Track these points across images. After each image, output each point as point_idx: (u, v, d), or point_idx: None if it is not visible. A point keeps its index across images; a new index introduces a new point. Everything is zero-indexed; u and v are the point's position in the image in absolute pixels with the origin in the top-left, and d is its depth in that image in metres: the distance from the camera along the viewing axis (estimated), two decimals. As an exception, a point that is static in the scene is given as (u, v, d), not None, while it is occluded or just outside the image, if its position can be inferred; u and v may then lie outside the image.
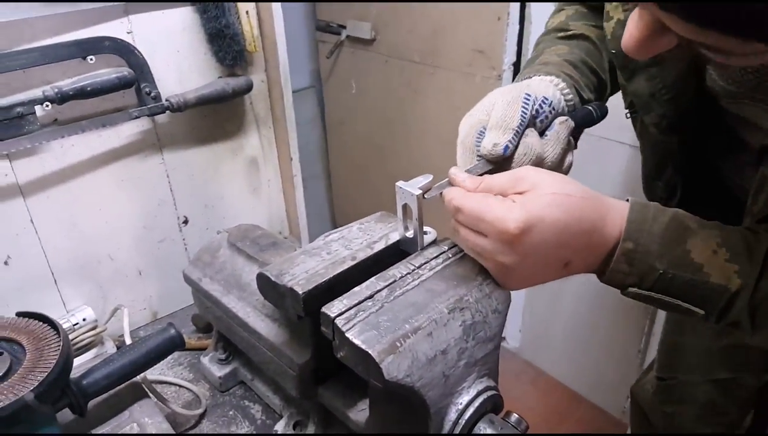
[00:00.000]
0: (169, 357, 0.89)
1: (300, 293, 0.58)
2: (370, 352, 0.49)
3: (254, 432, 0.82)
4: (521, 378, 2.05)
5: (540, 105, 0.59)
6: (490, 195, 0.52)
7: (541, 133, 0.60)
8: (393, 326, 0.51)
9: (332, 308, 0.54)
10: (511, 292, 0.57)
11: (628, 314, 1.69)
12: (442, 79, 1.82)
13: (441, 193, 0.56)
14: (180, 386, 0.90)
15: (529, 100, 0.57)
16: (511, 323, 2.13)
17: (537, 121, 0.59)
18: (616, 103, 0.77)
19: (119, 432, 0.70)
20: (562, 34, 0.75)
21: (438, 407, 0.53)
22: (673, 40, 0.41)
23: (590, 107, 0.66)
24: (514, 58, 1.66)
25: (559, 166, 0.60)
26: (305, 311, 0.58)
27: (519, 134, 0.56)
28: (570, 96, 0.63)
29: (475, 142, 0.58)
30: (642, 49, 0.43)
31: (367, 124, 2.21)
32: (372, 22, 1.98)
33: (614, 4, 0.64)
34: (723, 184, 0.72)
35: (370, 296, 0.55)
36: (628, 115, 0.72)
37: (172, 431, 0.72)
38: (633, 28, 0.42)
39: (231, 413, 0.85)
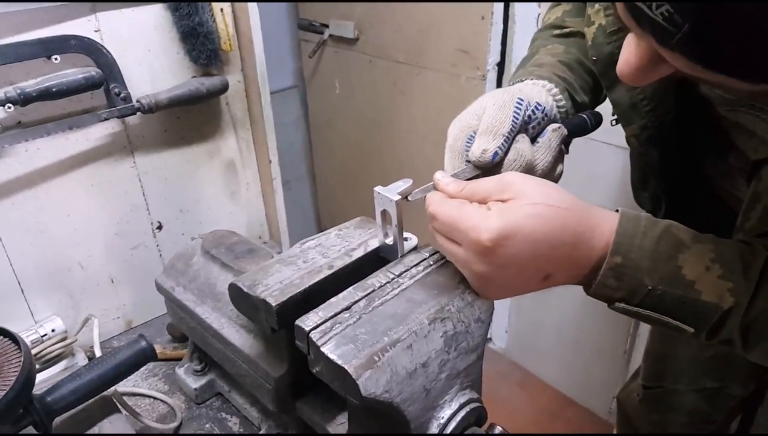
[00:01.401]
0: (143, 368, 0.85)
1: (273, 305, 0.55)
2: (346, 368, 0.47)
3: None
4: (508, 379, 2.04)
5: (533, 111, 0.57)
6: (467, 202, 0.50)
7: (533, 140, 0.58)
8: (371, 339, 0.49)
9: (307, 321, 0.51)
10: (508, 292, 0.55)
11: (614, 316, 1.68)
12: (426, 79, 1.80)
13: (426, 197, 0.54)
14: (154, 398, 0.87)
15: (521, 105, 0.55)
16: (497, 324, 2.12)
17: (529, 127, 0.57)
18: (605, 104, 0.75)
19: (86, 450, 0.67)
20: (558, 31, 0.73)
21: (419, 421, 0.51)
22: (670, 69, 0.39)
23: (584, 116, 0.64)
24: (498, 58, 1.64)
25: (550, 173, 0.59)
26: (279, 324, 0.56)
27: (509, 140, 0.55)
28: (562, 102, 0.62)
29: (464, 147, 0.56)
30: (638, 78, 0.41)
31: (351, 124, 2.19)
32: (355, 21, 1.96)
33: (596, 8, 0.62)
34: (711, 192, 0.70)
35: (347, 308, 0.53)
36: (613, 122, 0.70)
37: (143, 448, 0.69)
38: (630, 55, 0.40)
39: (208, 426, 0.82)
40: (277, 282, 0.58)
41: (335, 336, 0.50)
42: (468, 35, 1.64)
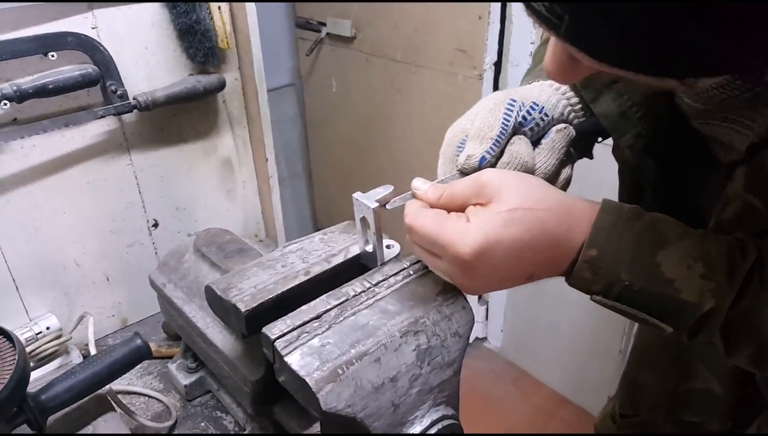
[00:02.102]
0: (138, 366, 0.85)
1: (242, 310, 0.54)
2: (307, 380, 0.46)
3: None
4: (503, 378, 2.04)
5: (528, 111, 0.54)
6: (444, 213, 0.49)
7: (537, 142, 0.56)
8: (337, 351, 0.48)
9: (274, 329, 0.50)
10: (494, 291, 0.55)
11: (609, 315, 1.68)
12: (424, 78, 1.80)
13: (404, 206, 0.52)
14: (149, 396, 0.86)
15: (512, 106, 0.53)
16: (493, 323, 2.12)
17: (526, 128, 0.55)
18: None
19: (81, 448, 0.67)
20: None
21: None
22: (590, 70, 0.39)
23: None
24: (495, 58, 1.64)
25: (553, 179, 0.56)
26: (248, 330, 0.55)
27: (499, 144, 0.52)
28: (576, 100, 0.59)
29: (456, 153, 0.55)
30: (562, 75, 0.41)
31: (348, 123, 2.18)
32: (352, 19, 1.95)
33: None
34: (700, 213, 0.67)
35: (317, 317, 0.51)
36: (599, 139, 0.66)
37: (138, 446, 0.68)
38: (549, 52, 0.40)
39: (203, 424, 0.82)
40: (251, 287, 0.57)
41: (301, 346, 0.49)
42: (465, 34, 1.64)
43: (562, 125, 0.56)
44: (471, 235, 0.45)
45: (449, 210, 0.49)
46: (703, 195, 0.64)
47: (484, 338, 2.17)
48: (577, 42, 0.36)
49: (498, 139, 0.52)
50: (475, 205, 0.48)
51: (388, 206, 0.54)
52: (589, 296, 0.50)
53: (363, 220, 0.57)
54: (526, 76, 0.65)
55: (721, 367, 0.76)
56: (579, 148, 0.59)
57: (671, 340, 0.86)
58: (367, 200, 0.54)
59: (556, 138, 0.55)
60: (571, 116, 0.59)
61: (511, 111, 0.53)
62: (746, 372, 0.71)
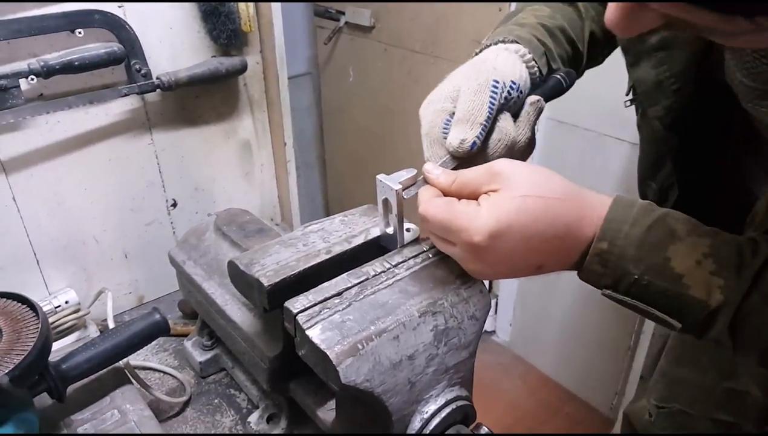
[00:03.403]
0: (154, 343, 0.86)
1: (266, 285, 0.55)
2: (328, 353, 0.47)
3: (237, 421, 0.80)
4: (510, 372, 2.05)
5: (509, 91, 0.56)
6: (455, 201, 0.49)
7: (515, 117, 0.57)
8: (357, 327, 0.49)
9: (296, 304, 0.51)
10: (504, 286, 0.55)
11: (619, 312, 1.67)
12: (442, 68, 1.79)
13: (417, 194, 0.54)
14: (164, 372, 0.88)
15: (497, 88, 0.54)
16: (502, 317, 2.12)
17: (506, 107, 0.57)
18: (617, 97, 0.74)
19: (99, 418, 0.68)
20: None
21: (402, 414, 0.51)
22: (657, 19, 0.38)
23: (558, 76, 0.62)
24: (514, 50, 1.64)
25: (528, 147, 0.58)
26: (270, 305, 0.56)
27: (486, 128, 0.54)
28: (535, 68, 0.60)
29: (441, 133, 0.55)
30: (623, 26, 0.39)
31: (364, 112, 2.18)
32: (372, 8, 1.95)
33: None
34: (726, 188, 0.68)
35: (338, 293, 0.53)
36: (628, 103, 0.68)
37: (154, 418, 0.70)
38: (614, 2, 0.39)
39: (216, 401, 0.83)
40: (273, 263, 0.58)
41: (322, 321, 0.50)
42: (484, 26, 1.63)
43: (535, 98, 0.58)
44: (482, 218, 0.46)
45: (460, 196, 0.50)
46: (739, 175, 0.64)
47: (493, 332, 2.17)
48: None
49: (486, 123, 0.53)
50: (487, 192, 0.48)
51: (405, 195, 0.55)
52: (599, 291, 0.50)
53: (385, 202, 0.57)
54: (499, 26, 0.66)
55: (759, 371, 0.76)
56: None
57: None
58: (390, 182, 0.55)
59: (530, 111, 0.57)
60: (528, 82, 0.60)
61: (496, 94, 0.54)
62: None
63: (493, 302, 2.08)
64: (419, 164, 0.57)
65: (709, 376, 0.83)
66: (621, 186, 1.55)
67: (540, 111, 0.58)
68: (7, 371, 0.57)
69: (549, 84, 0.61)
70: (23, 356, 0.59)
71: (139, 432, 0.67)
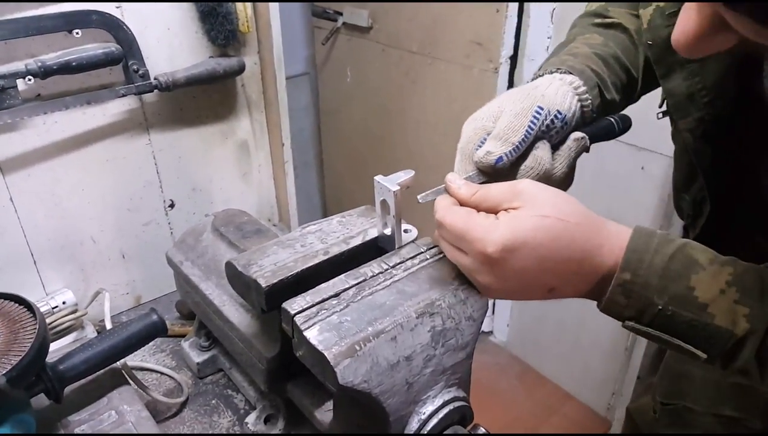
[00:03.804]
0: (151, 343, 0.86)
1: (263, 285, 0.55)
2: (325, 354, 0.47)
3: (234, 422, 0.80)
4: (507, 372, 2.05)
5: (552, 120, 0.55)
6: (474, 212, 0.49)
7: (554, 148, 0.57)
8: (355, 328, 0.49)
9: (294, 305, 0.52)
10: (513, 299, 0.55)
11: (617, 313, 1.68)
12: (439, 70, 1.80)
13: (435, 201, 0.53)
14: (161, 373, 0.88)
15: (540, 114, 0.54)
16: (499, 318, 2.13)
17: (547, 135, 0.56)
18: (652, 98, 0.71)
19: (96, 419, 0.68)
20: (599, 20, 0.70)
21: (399, 415, 0.51)
22: (731, 40, 0.38)
23: (611, 119, 0.62)
24: (511, 52, 1.64)
25: (563, 182, 0.57)
26: (268, 306, 0.56)
27: (518, 150, 0.53)
28: (588, 100, 0.59)
29: (475, 148, 0.55)
30: (695, 48, 0.39)
31: (362, 113, 2.19)
32: (369, 9, 1.95)
33: None
34: (761, 201, 0.65)
35: (336, 295, 0.53)
36: (660, 115, 0.67)
37: (151, 419, 0.70)
38: (687, 22, 0.38)
39: (213, 402, 0.83)
40: (271, 264, 0.58)
41: (319, 322, 0.50)
42: (482, 27, 1.64)
43: (579, 135, 0.57)
44: (499, 231, 0.46)
45: (479, 209, 0.50)
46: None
47: (490, 332, 2.18)
48: (758, 11, 0.33)
49: (519, 145, 0.53)
50: (507, 209, 0.48)
51: (420, 199, 0.55)
52: (621, 323, 0.49)
53: (383, 203, 0.57)
54: (552, 56, 0.66)
55: None
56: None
57: None
58: (388, 183, 0.55)
59: (572, 146, 0.57)
60: (577, 114, 0.59)
61: (537, 120, 0.54)
62: None
63: (490, 302, 2.08)
64: (417, 165, 0.57)
65: (717, 371, 0.83)
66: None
67: (583, 149, 0.57)
68: (4, 371, 0.57)
69: (601, 124, 0.60)
70: (20, 357, 0.59)
71: (136, 433, 0.67)
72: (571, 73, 0.59)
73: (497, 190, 0.50)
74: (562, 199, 0.48)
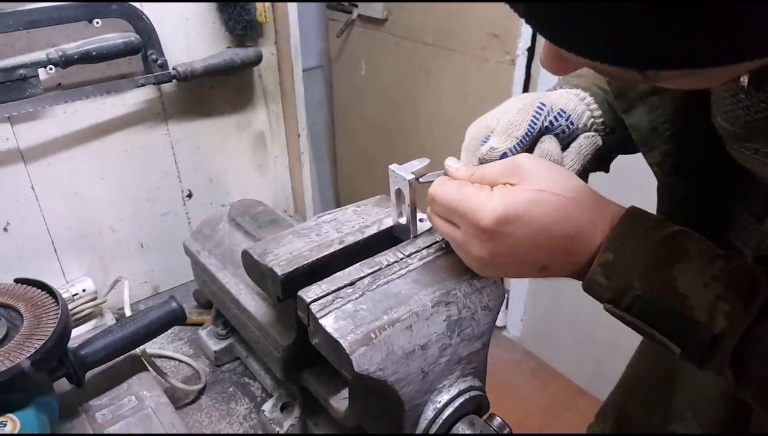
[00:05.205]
0: (169, 332, 0.87)
1: (279, 274, 0.55)
2: (341, 342, 0.47)
3: (251, 409, 0.80)
4: (521, 367, 2.04)
5: (555, 117, 0.54)
6: (467, 183, 0.49)
7: (564, 148, 0.56)
8: (370, 316, 0.49)
9: (309, 293, 0.52)
10: (515, 281, 0.54)
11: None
12: (454, 62, 1.79)
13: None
14: (179, 360, 0.89)
15: (542, 110, 0.53)
16: (513, 312, 2.12)
17: (551, 133, 0.55)
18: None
19: (117, 404, 0.69)
20: None
21: (414, 403, 0.51)
22: (577, 64, 0.38)
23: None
24: (528, 43, 1.63)
25: None
26: (284, 294, 0.56)
27: (522, 145, 0.53)
28: (598, 112, 0.58)
29: (479, 144, 0.55)
30: (553, 66, 0.39)
31: (376, 106, 2.18)
32: (385, 1, 1.94)
33: None
34: (726, 245, 0.62)
35: (351, 283, 0.53)
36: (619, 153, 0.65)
37: (170, 405, 0.70)
38: (545, 44, 0.39)
39: (231, 389, 0.84)
40: (286, 253, 0.58)
41: (335, 310, 0.50)
42: (499, 19, 1.62)
43: (591, 133, 0.56)
44: (492, 203, 0.45)
45: None
46: (732, 228, 0.60)
47: (504, 327, 2.17)
48: (534, 25, 0.35)
49: (523, 139, 0.52)
50: (504, 184, 0.48)
51: (421, 179, 0.54)
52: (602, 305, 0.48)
53: (398, 192, 0.57)
54: (556, 84, 0.65)
55: (707, 419, 0.74)
56: (595, 161, 0.58)
57: (663, 375, 0.82)
58: (403, 172, 0.55)
59: (584, 144, 0.56)
60: (593, 129, 0.58)
61: (540, 114, 0.53)
62: (735, 429, 0.68)
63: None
64: (431, 159, 0.57)
65: (658, 416, 0.81)
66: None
67: (595, 148, 0.56)
68: (28, 355, 0.57)
69: (619, 135, 0.59)
70: (44, 341, 0.59)
71: (156, 418, 0.67)
72: (577, 87, 0.59)
73: (495, 166, 0.49)
74: (559, 173, 0.47)
